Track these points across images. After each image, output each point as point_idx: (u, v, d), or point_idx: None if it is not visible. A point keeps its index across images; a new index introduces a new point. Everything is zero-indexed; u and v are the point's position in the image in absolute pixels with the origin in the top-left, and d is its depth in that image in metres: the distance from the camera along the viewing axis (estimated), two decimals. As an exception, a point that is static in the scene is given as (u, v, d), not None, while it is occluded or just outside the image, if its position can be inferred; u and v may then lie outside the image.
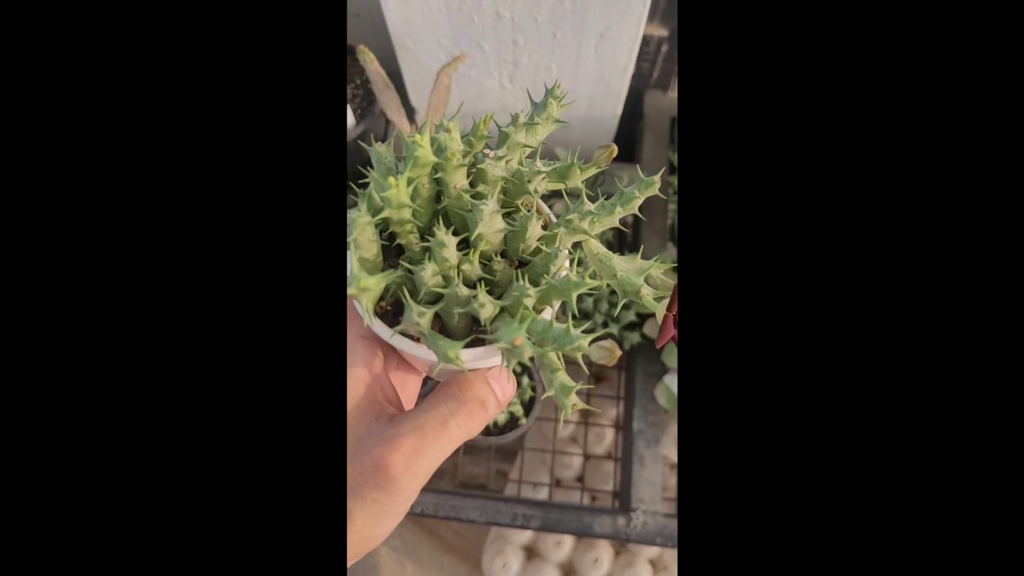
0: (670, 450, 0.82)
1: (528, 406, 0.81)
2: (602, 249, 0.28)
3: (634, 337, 0.78)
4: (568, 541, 0.91)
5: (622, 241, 0.87)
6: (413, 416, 0.26)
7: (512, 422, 0.80)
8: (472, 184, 0.27)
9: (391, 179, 0.23)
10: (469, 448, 0.93)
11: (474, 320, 0.27)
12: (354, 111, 0.82)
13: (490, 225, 0.25)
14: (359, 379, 0.26)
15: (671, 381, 0.75)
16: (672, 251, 0.81)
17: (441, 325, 0.28)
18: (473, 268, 0.25)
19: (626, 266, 0.27)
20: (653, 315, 0.81)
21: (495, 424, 0.80)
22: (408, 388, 0.31)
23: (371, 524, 0.25)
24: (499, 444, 0.81)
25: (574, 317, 0.24)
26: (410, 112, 0.83)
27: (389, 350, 0.29)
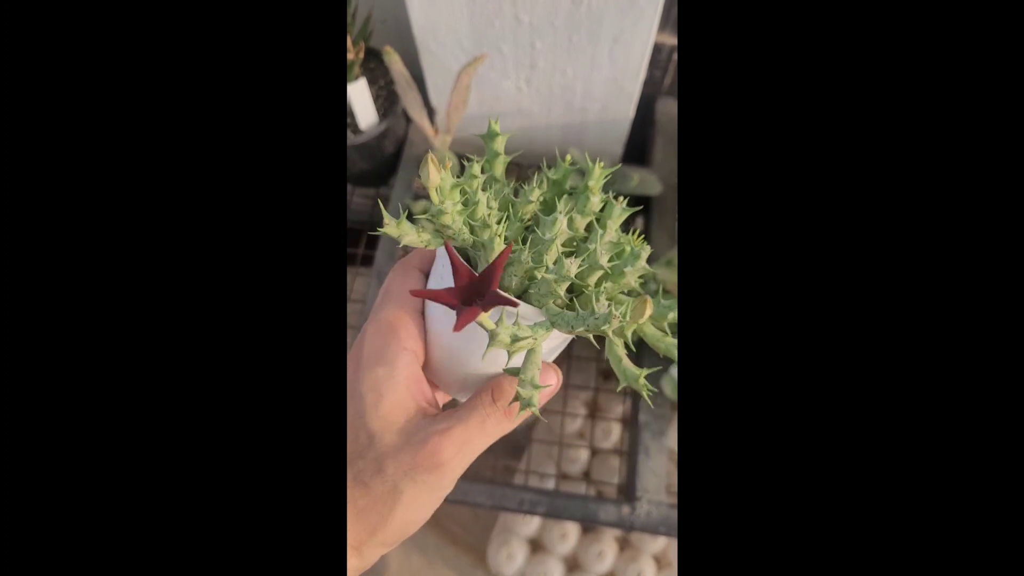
0: (675, 442, 0.84)
1: None
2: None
3: (641, 332, 0.80)
4: (573, 534, 0.93)
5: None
6: (458, 415, 0.30)
7: None
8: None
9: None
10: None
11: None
12: (378, 110, 0.86)
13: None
14: (406, 384, 0.30)
15: (677, 373, 0.77)
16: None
17: None
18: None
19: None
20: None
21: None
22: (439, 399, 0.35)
23: (419, 502, 0.29)
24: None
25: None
26: (431, 112, 0.86)
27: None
